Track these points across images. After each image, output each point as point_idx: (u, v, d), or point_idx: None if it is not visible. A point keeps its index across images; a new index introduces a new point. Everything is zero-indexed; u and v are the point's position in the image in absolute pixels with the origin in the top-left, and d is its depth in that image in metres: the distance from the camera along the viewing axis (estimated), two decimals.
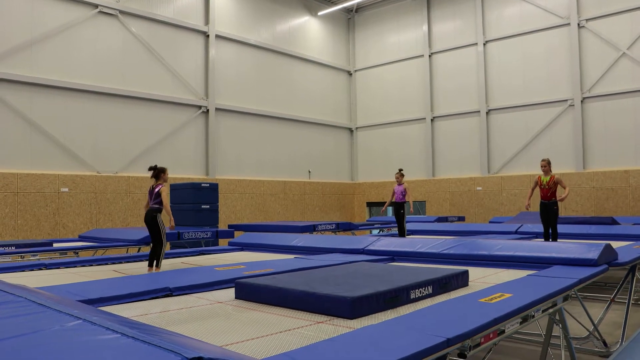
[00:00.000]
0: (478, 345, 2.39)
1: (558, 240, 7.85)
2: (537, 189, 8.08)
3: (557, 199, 7.78)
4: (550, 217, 7.79)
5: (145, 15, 13.34)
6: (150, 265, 5.56)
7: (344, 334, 2.26)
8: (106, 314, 2.26)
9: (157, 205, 5.73)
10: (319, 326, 2.63)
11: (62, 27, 11.89)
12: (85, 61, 12.30)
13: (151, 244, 5.76)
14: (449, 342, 2.12)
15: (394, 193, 10.44)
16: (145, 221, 5.77)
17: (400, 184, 10.37)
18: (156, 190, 5.74)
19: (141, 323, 2.07)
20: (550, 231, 7.89)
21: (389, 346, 2.00)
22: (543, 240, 8.05)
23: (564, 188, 7.84)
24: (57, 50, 11.83)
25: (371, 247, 5.96)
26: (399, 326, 2.32)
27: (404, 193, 10.28)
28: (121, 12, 12.86)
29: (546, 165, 7.92)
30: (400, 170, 10.71)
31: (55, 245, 8.49)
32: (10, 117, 11.10)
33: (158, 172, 5.79)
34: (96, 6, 12.41)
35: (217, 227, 11.23)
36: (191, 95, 14.41)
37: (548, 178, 7.88)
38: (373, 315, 2.83)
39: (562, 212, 14.29)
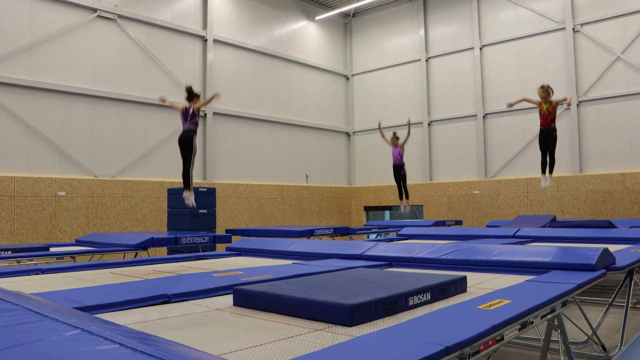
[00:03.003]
0: (477, 352, 2.39)
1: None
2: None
3: (562, 105, 7.70)
4: (549, 143, 7.73)
5: (143, 19, 13.35)
6: (186, 187, 5.81)
7: (342, 342, 2.25)
8: (104, 322, 2.25)
9: (192, 126, 5.84)
10: (318, 334, 2.62)
11: (60, 31, 11.89)
12: (83, 65, 12.29)
13: (183, 165, 5.93)
14: (448, 350, 2.11)
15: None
16: (180, 141, 5.90)
17: (396, 146, 10.95)
18: (191, 111, 5.84)
19: (140, 332, 2.06)
20: (548, 158, 7.86)
21: (388, 355, 1.99)
22: (540, 166, 8.10)
23: (565, 99, 7.79)
24: (55, 54, 11.82)
25: (369, 253, 5.95)
26: (398, 334, 2.31)
27: (401, 154, 10.86)
28: (119, 16, 12.87)
29: (547, 92, 7.82)
30: (395, 133, 11.43)
31: (52, 249, 8.44)
32: (7, 121, 11.08)
33: (192, 95, 5.92)
34: (95, 10, 12.42)
35: (215, 232, 11.22)
36: None
37: (548, 105, 7.80)
38: (372, 322, 2.82)
39: (559, 216, 14.33)
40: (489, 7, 16.48)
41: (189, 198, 5.80)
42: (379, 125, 12.47)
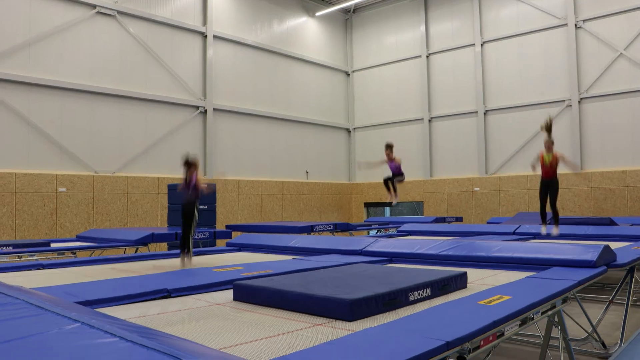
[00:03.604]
0: (477, 348, 2.39)
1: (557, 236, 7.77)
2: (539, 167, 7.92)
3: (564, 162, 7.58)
4: (551, 193, 7.61)
5: (143, 15, 13.32)
6: (183, 251, 5.75)
7: (343, 337, 2.25)
8: (104, 316, 2.25)
9: (195, 198, 5.89)
10: (318, 328, 2.62)
11: (60, 28, 11.86)
12: (83, 61, 12.27)
13: (182, 231, 5.92)
14: (448, 345, 2.11)
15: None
16: (183, 208, 5.91)
17: (391, 160, 9.51)
18: (193, 183, 5.88)
19: (140, 326, 2.06)
20: (550, 208, 7.70)
21: (388, 350, 1.99)
22: (540, 216, 7.91)
23: (568, 164, 7.71)
24: (55, 50, 11.80)
25: (369, 249, 5.96)
26: (398, 329, 2.31)
27: (398, 166, 9.70)
28: (119, 12, 12.84)
29: (549, 142, 7.73)
30: (389, 145, 9.71)
31: (52, 245, 8.46)
32: (8, 117, 11.07)
33: (190, 165, 5.94)
34: (94, 7, 12.38)
35: (215, 227, 11.22)
36: (189, 96, 14.39)
37: (551, 156, 7.72)
38: (372, 317, 2.82)
39: (560, 213, 14.30)
40: (491, 3, 16.43)
41: (183, 263, 5.61)
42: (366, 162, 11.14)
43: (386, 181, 9.89)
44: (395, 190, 9.87)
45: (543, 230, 7.99)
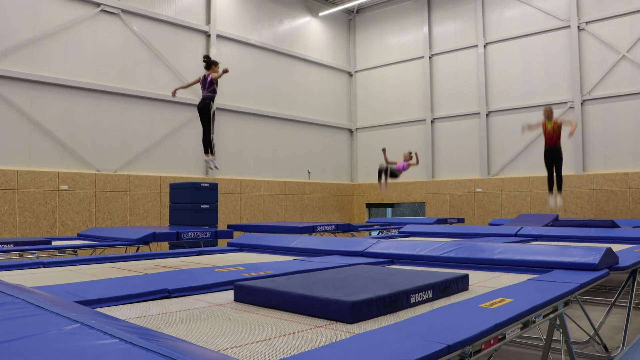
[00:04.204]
0: (479, 351, 2.38)
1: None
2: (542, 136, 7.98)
3: (568, 133, 7.66)
4: (556, 161, 7.69)
5: (146, 14, 13.34)
6: (206, 152, 5.97)
7: (343, 339, 2.24)
8: (104, 316, 2.24)
9: (210, 94, 6.01)
10: (319, 330, 2.61)
11: (64, 26, 11.88)
12: (87, 59, 12.29)
13: (203, 130, 6.15)
14: (449, 349, 2.10)
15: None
16: (199, 108, 6.13)
17: (406, 160, 10.59)
18: (209, 78, 6.04)
19: (140, 327, 2.05)
20: (555, 176, 7.80)
21: (388, 352, 1.98)
22: (547, 184, 8.05)
23: (570, 123, 7.78)
24: (58, 48, 11.82)
25: (370, 250, 5.94)
26: (399, 332, 2.30)
27: (405, 167, 10.52)
28: (123, 11, 12.85)
29: (549, 112, 7.82)
30: (410, 153, 10.97)
31: (54, 243, 8.45)
32: (10, 114, 11.09)
33: (210, 63, 6.14)
34: (98, 5, 12.41)
35: (216, 227, 11.21)
36: (192, 95, 14.38)
37: (552, 123, 7.79)
38: (373, 319, 2.81)
39: (562, 215, 14.29)
40: (494, 5, 16.41)
41: (210, 162, 6.05)
42: (384, 151, 11.38)
43: (381, 172, 10.27)
44: (385, 183, 10.36)
45: (550, 200, 8.13)
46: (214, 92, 6.14)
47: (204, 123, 6.15)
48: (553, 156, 7.66)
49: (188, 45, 14.42)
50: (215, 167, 6.61)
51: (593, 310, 6.86)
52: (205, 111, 6.11)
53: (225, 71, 6.35)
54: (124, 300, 3.36)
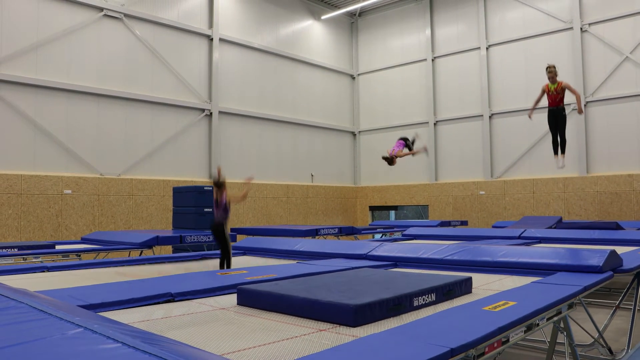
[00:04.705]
0: (482, 354, 2.37)
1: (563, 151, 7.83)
2: (544, 99, 7.99)
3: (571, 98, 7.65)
4: (559, 123, 7.70)
5: (149, 18, 13.38)
6: (222, 267, 5.81)
7: (347, 343, 2.24)
8: (108, 321, 2.25)
9: (224, 214, 5.91)
10: (322, 334, 2.61)
11: (67, 30, 11.93)
12: (90, 64, 12.33)
13: (220, 251, 5.98)
14: (452, 352, 2.09)
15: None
16: (213, 230, 5.95)
17: (408, 149, 9.93)
18: (224, 202, 5.90)
19: (143, 331, 2.05)
20: (559, 138, 7.83)
21: (392, 356, 1.98)
22: (552, 147, 8.06)
23: (574, 92, 7.77)
24: (62, 53, 11.87)
25: (374, 253, 5.94)
26: (402, 335, 2.30)
27: (403, 148, 9.73)
28: (126, 15, 12.90)
29: (553, 71, 7.82)
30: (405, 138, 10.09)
31: (57, 247, 8.48)
32: (14, 119, 11.14)
33: (220, 184, 6.00)
34: (101, 9, 12.45)
35: None
36: (195, 99, 14.44)
37: (556, 84, 7.78)
38: (376, 322, 2.81)
39: (566, 217, 14.25)
40: (496, 7, 16.40)
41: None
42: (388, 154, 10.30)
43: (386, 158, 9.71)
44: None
45: (557, 162, 8.17)
46: (227, 212, 5.84)
47: (221, 247, 5.83)
48: (556, 117, 7.68)
49: (191, 49, 14.46)
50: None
51: (597, 312, 6.83)
52: (220, 236, 5.80)
53: (249, 183, 6.03)
54: (127, 304, 3.37)
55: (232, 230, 11.82)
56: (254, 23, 16.21)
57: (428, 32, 17.78)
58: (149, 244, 8.08)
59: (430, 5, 17.84)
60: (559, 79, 8.26)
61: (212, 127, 14.69)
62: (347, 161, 19.36)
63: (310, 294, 3.07)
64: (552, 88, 7.75)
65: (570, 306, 3.51)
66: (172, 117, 13.85)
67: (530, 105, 15.35)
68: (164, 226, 13.16)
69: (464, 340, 2.21)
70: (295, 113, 17.27)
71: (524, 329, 2.81)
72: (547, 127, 13.65)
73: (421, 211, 17.93)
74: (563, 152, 8.08)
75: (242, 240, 8.12)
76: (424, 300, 3.23)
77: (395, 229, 13.01)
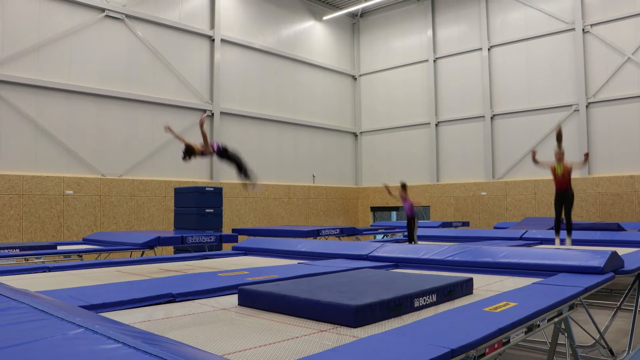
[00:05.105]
0: (483, 355, 2.37)
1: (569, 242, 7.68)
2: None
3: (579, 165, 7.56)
4: (566, 204, 7.55)
5: (151, 19, 13.40)
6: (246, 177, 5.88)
7: (347, 344, 2.24)
8: (108, 321, 2.25)
9: (219, 149, 5.97)
10: (323, 334, 2.61)
11: (69, 31, 11.96)
12: (92, 65, 12.36)
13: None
14: (453, 353, 2.09)
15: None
16: (220, 156, 5.95)
17: (405, 199, 9.12)
18: (215, 147, 5.97)
19: (144, 331, 2.06)
20: (563, 220, 7.67)
21: (392, 357, 1.98)
22: (554, 227, 7.82)
23: (576, 165, 7.71)
24: (63, 53, 11.89)
25: (375, 254, 5.94)
26: (403, 336, 2.30)
27: (412, 207, 9.06)
28: (127, 16, 12.92)
29: (560, 155, 7.71)
30: (404, 185, 9.34)
31: (59, 247, 8.49)
32: (16, 120, 11.16)
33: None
34: (103, 10, 12.48)
35: (221, 231, 11.23)
36: (196, 99, 14.45)
37: (562, 167, 7.67)
38: (377, 323, 2.81)
39: None
40: (498, 8, 16.40)
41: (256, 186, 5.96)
42: (386, 187, 9.70)
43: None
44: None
45: (557, 242, 7.89)
46: (216, 148, 5.91)
47: (237, 165, 5.89)
48: (564, 199, 7.55)
49: (192, 49, 14.48)
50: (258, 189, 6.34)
51: (598, 313, 6.82)
52: (227, 156, 5.89)
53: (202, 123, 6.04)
54: (128, 305, 3.37)
55: (234, 230, 11.87)
56: (256, 24, 16.23)
57: (430, 32, 17.77)
58: (151, 244, 8.08)
59: (432, 6, 17.84)
60: (565, 157, 7.92)
61: (214, 128, 14.71)
62: (349, 162, 19.36)
63: (311, 295, 3.07)
64: (559, 171, 7.61)
65: (571, 307, 3.50)
66: (173, 117, 13.85)
67: (530, 106, 15.44)
68: (166, 227, 13.18)
69: (464, 341, 2.21)
70: (296, 114, 17.28)
71: (524, 329, 2.81)
72: (548, 128, 13.62)
73: (423, 212, 17.92)
74: (569, 234, 7.68)
75: (243, 240, 8.13)
76: (424, 301, 3.23)
77: (396, 230, 13.01)
